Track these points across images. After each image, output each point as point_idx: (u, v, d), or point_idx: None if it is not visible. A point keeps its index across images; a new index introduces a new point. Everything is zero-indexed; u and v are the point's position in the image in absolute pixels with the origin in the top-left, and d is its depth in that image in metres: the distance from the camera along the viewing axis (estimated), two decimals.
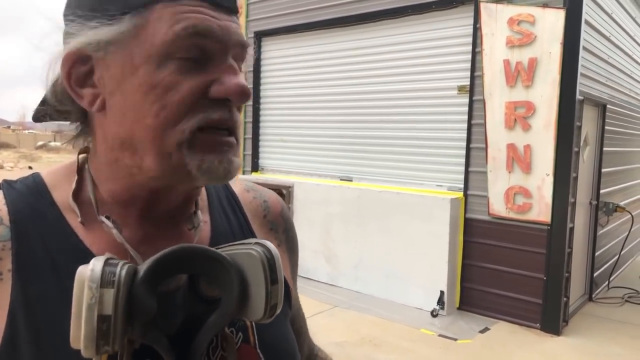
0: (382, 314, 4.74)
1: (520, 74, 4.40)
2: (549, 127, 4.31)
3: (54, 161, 25.71)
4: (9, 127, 62.92)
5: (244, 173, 6.44)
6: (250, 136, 6.47)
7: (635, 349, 4.14)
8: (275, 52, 6.30)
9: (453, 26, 4.92)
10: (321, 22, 5.76)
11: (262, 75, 6.40)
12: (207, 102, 0.54)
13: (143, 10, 0.53)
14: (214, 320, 0.54)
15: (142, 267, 0.50)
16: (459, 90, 4.90)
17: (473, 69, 4.73)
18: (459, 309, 4.89)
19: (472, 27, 4.72)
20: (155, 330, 0.52)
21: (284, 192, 5.76)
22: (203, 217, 0.67)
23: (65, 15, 0.57)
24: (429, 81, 5.10)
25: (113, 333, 0.47)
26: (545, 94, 4.30)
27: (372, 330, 4.36)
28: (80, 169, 0.62)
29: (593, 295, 5.31)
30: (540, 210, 4.39)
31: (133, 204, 0.60)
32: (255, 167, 6.51)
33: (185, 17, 0.52)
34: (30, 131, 58.07)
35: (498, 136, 4.56)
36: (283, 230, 0.78)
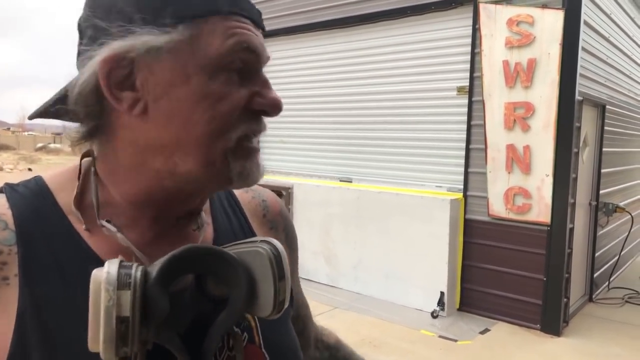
0: (382, 315, 4.74)
1: (519, 75, 4.41)
2: (548, 127, 4.31)
3: (53, 163, 25.72)
4: (8, 128, 62.97)
5: None
6: None
7: (636, 349, 4.13)
8: (274, 54, 6.25)
9: (452, 27, 4.92)
10: (320, 23, 5.76)
11: None
12: (249, 113, 0.58)
13: (197, 22, 0.54)
14: (224, 318, 0.55)
15: (154, 268, 0.51)
16: (458, 91, 4.90)
17: (472, 69, 4.73)
18: (459, 310, 4.89)
19: (471, 28, 4.73)
20: (169, 330, 0.52)
21: (283, 193, 5.76)
22: (206, 218, 0.68)
23: (93, 11, 0.56)
24: (428, 82, 5.10)
25: (131, 334, 0.48)
26: (544, 94, 4.31)
27: (372, 331, 4.35)
28: (85, 173, 0.62)
29: (593, 296, 5.31)
30: (540, 211, 4.39)
31: (149, 206, 0.60)
32: None
33: (236, 32, 0.56)
34: (30, 133, 58.13)
35: (497, 137, 4.56)
36: (283, 229, 0.80)
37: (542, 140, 4.34)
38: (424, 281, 4.88)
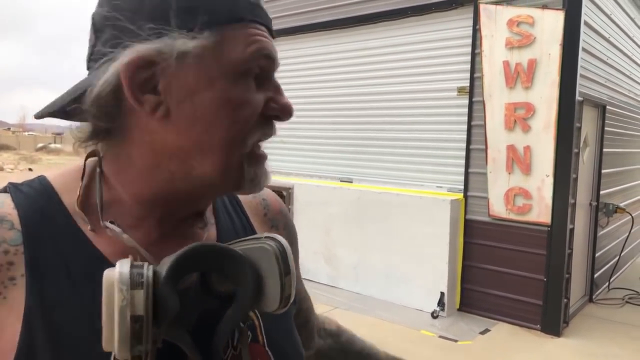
0: (382, 316, 4.74)
1: (519, 75, 4.41)
2: (549, 128, 4.31)
3: (54, 163, 25.73)
4: (8, 128, 63.02)
5: None
6: None
7: (636, 350, 4.13)
8: None
9: (452, 27, 4.92)
10: (320, 24, 5.77)
11: None
12: (263, 119, 0.59)
13: (221, 28, 0.55)
14: (232, 313, 0.56)
15: (163, 267, 0.52)
16: (459, 92, 4.91)
17: (472, 70, 4.74)
18: (459, 310, 4.89)
19: (471, 28, 4.73)
20: (179, 328, 0.53)
21: (284, 194, 5.77)
22: (209, 217, 0.69)
23: (116, 12, 0.55)
24: (429, 82, 5.10)
25: (145, 333, 0.48)
26: (544, 95, 4.31)
27: (372, 331, 4.35)
28: (90, 173, 0.62)
29: (593, 297, 5.31)
30: (541, 212, 4.40)
31: (158, 206, 0.61)
32: None
33: (257, 39, 0.57)
34: (30, 133, 58.17)
35: (498, 137, 4.56)
36: (283, 227, 0.81)
37: (542, 140, 4.34)
38: (424, 281, 4.88)
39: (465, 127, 4.82)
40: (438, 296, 4.79)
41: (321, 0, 5.73)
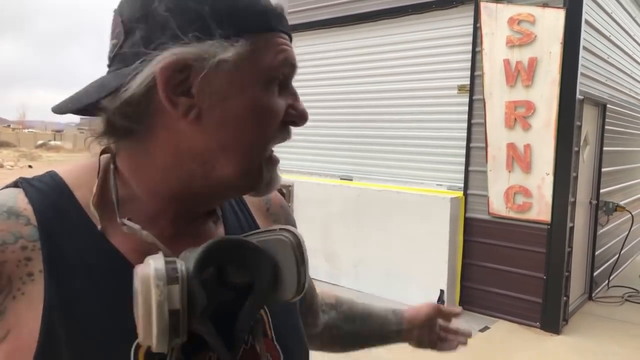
0: None
1: (520, 74, 4.41)
2: (549, 126, 4.31)
3: (54, 160, 25.72)
4: (8, 125, 63.00)
5: None
6: None
7: (635, 348, 4.14)
8: None
9: (453, 26, 4.92)
10: (320, 21, 5.76)
11: None
12: (282, 124, 0.61)
13: (254, 36, 0.57)
14: (251, 303, 0.58)
15: (189, 261, 0.54)
16: (459, 90, 4.91)
17: (473, 68, 4.73)
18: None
19: (472, 26, 4.73)
20: (204, 320, 0.55)
21: (284, 191, 5.77)
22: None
23: (152, 13, 0.55)
24: (429, 80, 5.10)
25: (182, 325, 0.51)
26: (545, 93, 4.31)
27: None
28: (103, 170, 0.62)
29: (593, 295, 5.32)
30: (540, 210, 4.40)
31: (174, 204, 0.61)
32: None
33: (284, 48, 0.60)
34: (30, 130, 58.13)
35: (498, 135, 4.56)
36: (285, 220, 0.82)
37: (542, 139, 4.35)
38: (424, 279, 4.89)
39: (465, 125, 4.83)
40: (438, 294, 4.79)
41: None
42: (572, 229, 4.47)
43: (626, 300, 5.29)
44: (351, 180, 5.75)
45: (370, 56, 5.50)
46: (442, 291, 4.79)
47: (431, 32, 5.06)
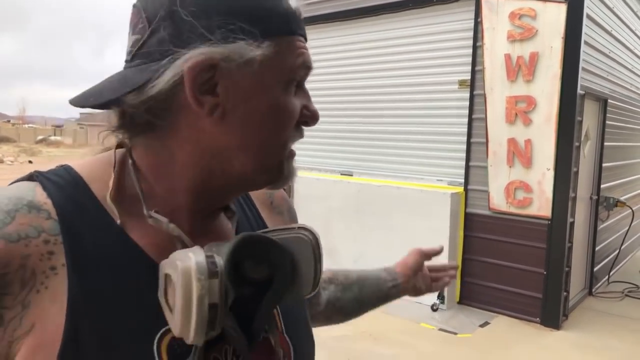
0: (382, 308, 4.72)
1: (521, 69, 4.39)
2: (550, 121, 4.30)
3: (54, 155, 25.72)
4: (8, 121, 62.91)
5: None
6: None
7: (635, 343, 4.15)
8: None
9: (454, 20, 4.90)
10: (320, 16, 5.74)
11: None
12: (297, 124, 0.64)
13: (278, 38, 0.59)
14: (270, 299, 0.59)
15: (221, 257, 0.55)
16: (460, 85, 4.89)
17: (474, 63, 4.72)
18: (459, 303, 4.90)
19: (473, 21, 4.71)
20: (231, 315, 0.56)
21: (284, 187, 5.76)
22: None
23: (180, 10, 0.56)
24: (430, 75, 5.09)
25: (219, 319, 0.53)
26: (546, 88, 4.30)
27: (372, 324, 4.37)
28: (121, 164, 0.62)
29: (593, 290, 5.32)
30: (541, 205, 4.40)
31: (193, 200, 0.62)
32: None
33: (303, 52, 0.62)
34: (30, 125, 58.12)
35: (499, 131, 4.55)
36: (287, 211, 0.86)
37: (543, 134, 4.34)
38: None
39: (466, 120, 4.81)
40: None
41: None
42: (572, 224, 4.46)
43: (626, 295, 5.29)
44: (351, 175, 5.74)
45: (370, 51, 5.48)
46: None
47: (432, 26, 5.04)
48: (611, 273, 5.73)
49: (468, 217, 4.85)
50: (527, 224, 4.50)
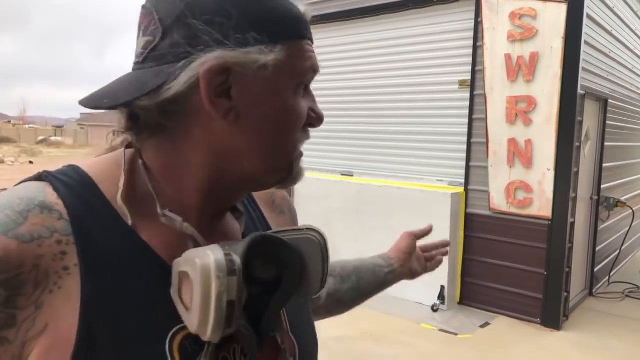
0: (383, 309, 4.75)
1: (521, 69, 4.39)
2: (550, 121, 4.30)
3: (54, 156, 25.74)
4: (9, 121, 62.94)
5: None
6: None
7: (635, 343, 4.14)
8: None
9: (454, 20, 4.90)
10: (320, 16, 5.73)
11: None
12: (303, 126, 0.65)
13: (290, 42, 0.60)
14: (279, 298, 0.60)
15: (236, 256, 0.56)
16: (460, 85, 4.89)
17: (474, 63, 4.72)
18: (459, 303, 4.90)
19: (473, 21, 4.71)
20: (243, 314, 0.57)
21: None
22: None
23: (195, 14, 0.56)
24: (430, 75, 5.09)
25: (236, 316, 0.53)
26: (546, 88, 4.29)
27: (372, 325, 4.37)
28: (130, 165, 0.62)
29: (593, 290, 5.32)
30: (541, 205, 4.39)
31: (202, 199, 0.63)
32: None
33: (311, 56, 0.63)
34: (31, 126, 58.15)
35: (499, 131, 4.55)
36: (288, 210, 0.88)
37: (543, 134, 4.33)
38: (425, 275, 4.88)
39: (466, 120, 4.81)
40: (438, 289, 4.80)
41: None
42: (572, 224, 4.46)
43: (627, 296, 5.29)
44: (352, 176, 5.74)
45: (370, 51, 5.48)
46: (442, 287, 4.80)
47: (432, 26, 5.04)
48: (612, 273, 5.73)
49: (468, 217, 4.85)
50: (527, 224, 4.49)
